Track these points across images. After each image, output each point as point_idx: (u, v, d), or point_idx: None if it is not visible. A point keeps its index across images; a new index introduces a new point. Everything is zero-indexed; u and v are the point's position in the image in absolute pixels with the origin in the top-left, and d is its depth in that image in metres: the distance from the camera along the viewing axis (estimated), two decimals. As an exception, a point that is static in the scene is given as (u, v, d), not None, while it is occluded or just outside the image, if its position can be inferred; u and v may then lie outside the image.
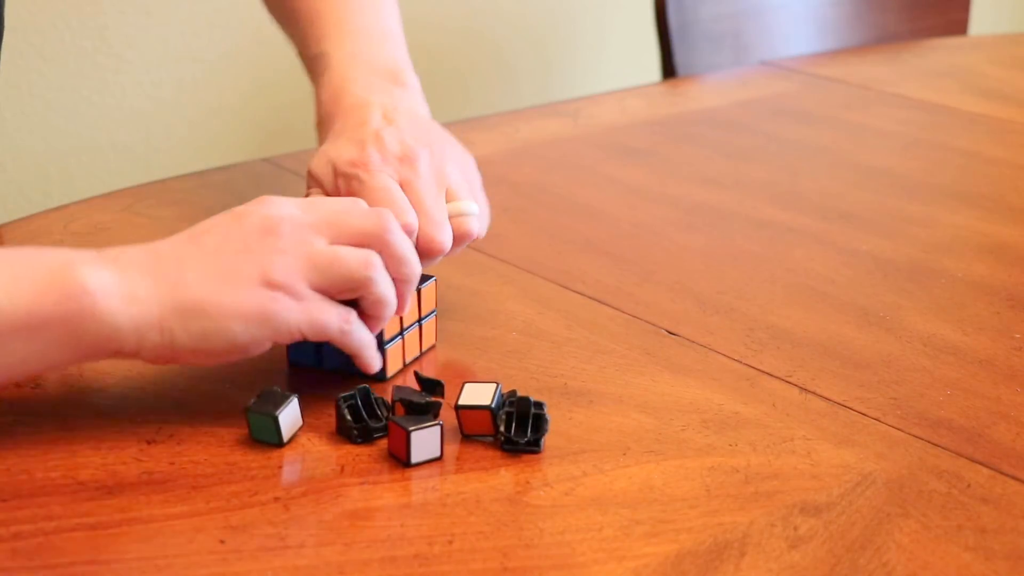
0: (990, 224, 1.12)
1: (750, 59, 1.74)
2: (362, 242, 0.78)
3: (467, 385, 0.77)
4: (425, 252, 0.85)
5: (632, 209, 1.15)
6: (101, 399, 0.80)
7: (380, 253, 0.78)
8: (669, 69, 1.69)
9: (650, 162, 1.26)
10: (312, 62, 1.01)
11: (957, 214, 1.15)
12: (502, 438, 0.76)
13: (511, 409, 0.76)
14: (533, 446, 0.76)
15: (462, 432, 0.77)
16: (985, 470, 0.76)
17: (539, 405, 0.76)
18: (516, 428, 0.76)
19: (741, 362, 0.87)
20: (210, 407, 0.79)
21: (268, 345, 0.76)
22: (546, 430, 0.76)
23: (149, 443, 0.75)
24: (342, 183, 0.88)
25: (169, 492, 0.71)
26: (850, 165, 1.28)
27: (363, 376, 0.81)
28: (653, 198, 1.17)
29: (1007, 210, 1.17)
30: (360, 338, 0.78)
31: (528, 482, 0.73)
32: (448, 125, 1.38)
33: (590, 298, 0.96)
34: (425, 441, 0.74)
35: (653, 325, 0.92)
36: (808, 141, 1.35)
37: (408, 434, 0.73)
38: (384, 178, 0.87)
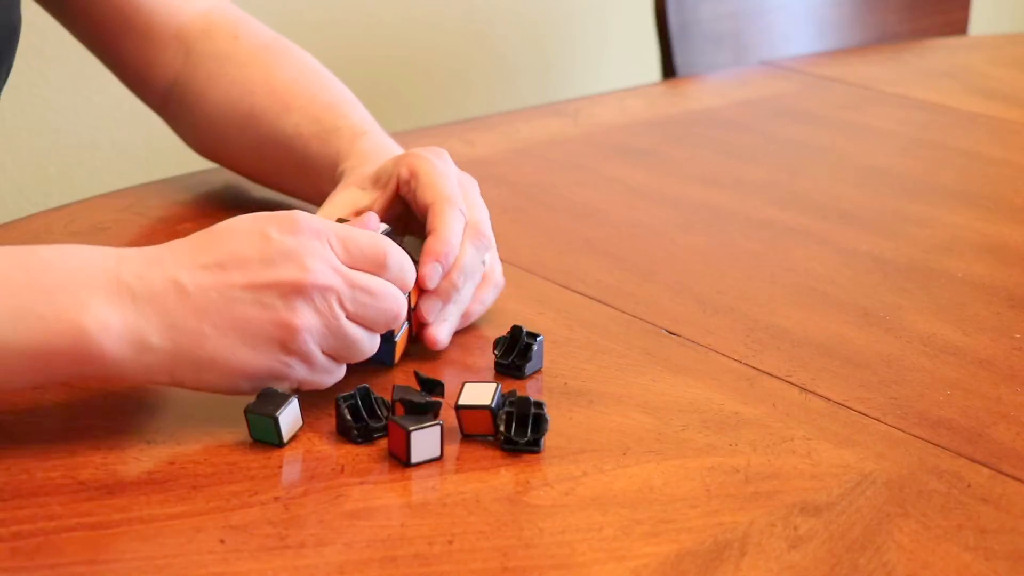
0: (990, 224, 1.12)
1: (750, 59, 1.74)
2: (378, 324, 0.78)
3: (467, 385, 0.77)
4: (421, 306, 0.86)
5: (632, 209, 1.15)
6: (101, 399, 0.79)
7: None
8: (669, 69, 1.69)
9: (650, 162, 1.26)
10: (331, 134, 1.00)
11: (957, 214, 1.15)
12: (502, 438, 0.76)
13: (511, 409, 0.76)
14: (533, 446, 0.76)
15: (462, 432, 0.77)
16: (985, 470, 0.76)
17: (539, 405, 0.76)
18: (516, 428, 0.76)
19: (741, 362, 0.87)
20: (210, 407, 0.78)
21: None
22: (546, 430, 0.76)
23: (149, 443, 0.75)
24: (419, 163, 0.88)
25: (169, 492, 0.71)
26: (850, 165, 1.28)
27: (368, 364, 0.81)
28: (653, 198, 1.17)
29: (1007, 210, 1.17)
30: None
31: (528, 482, 0.73)
32: (448, 125, 1.38)
33: (590, 298, 0.96)
34: (425, 441, 0.74)
35: (653, 325, 0.92)
36: (808, 141, 1.35)
37: (408, 434, 0.73)
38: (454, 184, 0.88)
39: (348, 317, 0.76)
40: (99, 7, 1.07)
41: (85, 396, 0.79)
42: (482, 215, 0.88)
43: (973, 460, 0.77)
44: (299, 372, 0.76)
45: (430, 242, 0.84)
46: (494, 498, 0.72)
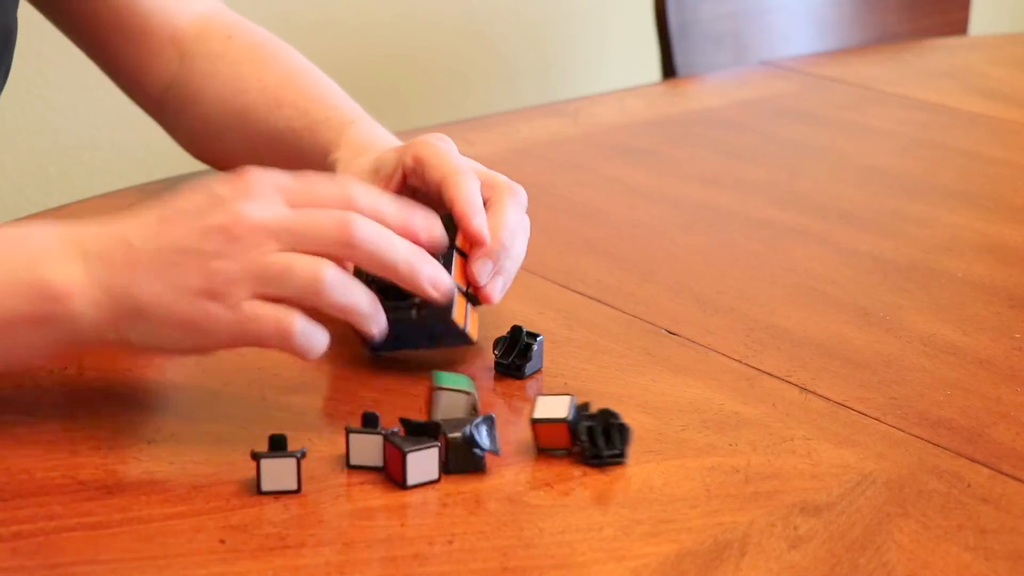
0: (990, 224, 1.12)
1: (750, 59, 1.74)
2: (325, 249, 0.75)
3: (540, 398, 0.76)
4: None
5: (632, 209, 1.15)
6: (101, 399, 0.80)
7: (349, 256, 0.75)
8: (669, 69, 1.69)
9: (650, 162, 1.26)
10: (320, 125, 0.99)
11: (957, 214, 1.15)
12: (588, 453, 0.74)
13: (591, 423, 0.75)
14: (620, 457, 0.75)
15: (537, 446, 0.75)
16: (985, 470, 0.76)
17: (616, 415, 0.75)
18: (595, 439, 0.74)
19: (741, 362, 0.87)
20: (210, 407, 0.78)
21: (222, 349, 0.76)
22: (630, 439, 0.75)
23: (149, 443, 0.75)
24: (422, 148, 0.87)
25: (169, 492, 0.71)
26: (850, 165, 1.28)
27: (450, 346, 0.82)
28: (653, 198, 1.17)
29: (1007, 210, 1.17)
30: (306, 343, 0.74)
31: (528, 482, 0.73)
32: (448, 125, 1.38)
33: (590, 298, 0.96)
34: (422, 463, 0.72)
35: (653, 325, 0.92)
36: (808, 141, 1.35)
37: (404, 455, 0.72)
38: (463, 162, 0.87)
39: (286, 248, 0.74)
40: (95, 11, 1.07)
41: (85, 396, 0.79)
42: (500, 176, 0.88)
43: (973, 460, 0.77)
44: (221, 321, 0.73)
45: (455, 211, 0.83)
46: (494, 498, 0.72)
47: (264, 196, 0.75)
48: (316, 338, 0.75)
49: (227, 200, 0.74)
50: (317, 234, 0.74)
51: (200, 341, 0.74)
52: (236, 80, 1.05)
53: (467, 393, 0.77)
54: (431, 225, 0.79)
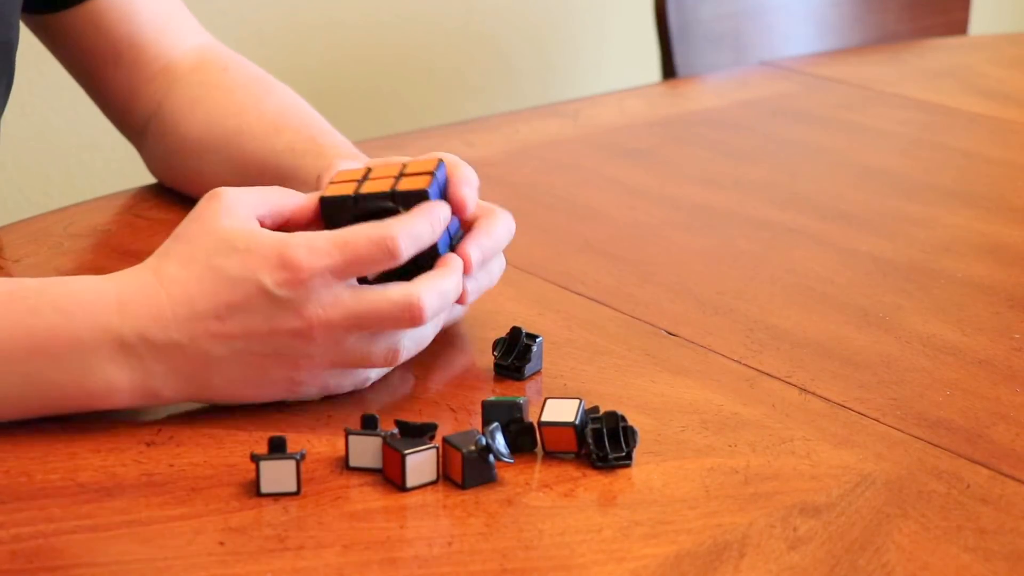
0: (990, 224, 1.12)
1: (750, 59, 1.74)
2: (395, 328, 0.78)
3: (549, 401, 0.76)
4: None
5: (632, 209, 1.15)
6: (101, 401, 0.79)
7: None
8: (669, 69, 1.69)
9: (650, 162, 1.26)
10: (327, 149, 0.99)
11: (957, 214, 1.15)
12: (594, 455, 0.75)
13: (597, 425, 0.75)
14: (626, 460, 0.75)
15: (544, 449, 0.76)
16: (985, 470, 0.76)
17: (624, 418, 0.75)
18: (602, 443, 0.74)
19: (741, 363, 0.87)
20: (209, 409, 0.79)
21: None
22: (636, 442, 0.75)
23: (148, 445, 0.75)
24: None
25: (169, 494, 0.71)
26: (850, 165, 1.28)
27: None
28: (653, 198, 1.17)
29: (1007, 210, 1.17)
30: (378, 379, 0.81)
31: (527, 483, 0.73)
32: (448, 126, 1.38)
33: (590, 299, 0.96)
34: (421, 465, 0.72)
35: (653, 326, 0.92)
36: (808, 141, 1.35)
37: (403, 457, 0.72)
38: None
39: (351, 340, 0.77)
40: (91, 37, 1.07)
41: (85, 398, 0.79)
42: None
43: (973, 460, 0.77)
44: (313, 392, 0.79)
45: (454, 178, 0.84)
46: (493, 500, 0.72)
47: (319, 286, 0.75)
48: (385, 371, 0.82)
49: (286, 301, 0.75)
50: (389, 322, 0.77)
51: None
52: (230, 105, 1.05)
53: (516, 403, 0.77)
54: (448, 217, 0.81)
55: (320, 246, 0.75)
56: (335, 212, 0.80)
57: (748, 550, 0.68)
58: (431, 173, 0.81)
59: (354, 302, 0.76)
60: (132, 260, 0.82)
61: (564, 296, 0.97)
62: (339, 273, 0.75)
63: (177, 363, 0.76)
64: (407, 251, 0.77)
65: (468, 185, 0.83)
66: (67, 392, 0.75)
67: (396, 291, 0.77)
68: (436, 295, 0.77)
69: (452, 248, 0.82)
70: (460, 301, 0.82)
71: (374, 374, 0.81)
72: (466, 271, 0.81)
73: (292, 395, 0.78)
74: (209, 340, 0.75)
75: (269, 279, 0.75)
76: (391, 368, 0.81)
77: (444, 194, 0.82)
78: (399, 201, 0.80)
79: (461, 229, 0.84)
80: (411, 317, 0.76)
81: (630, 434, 0.75)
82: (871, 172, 1.25)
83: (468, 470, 0.72)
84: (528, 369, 0.83)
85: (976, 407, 0.83)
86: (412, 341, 0.79)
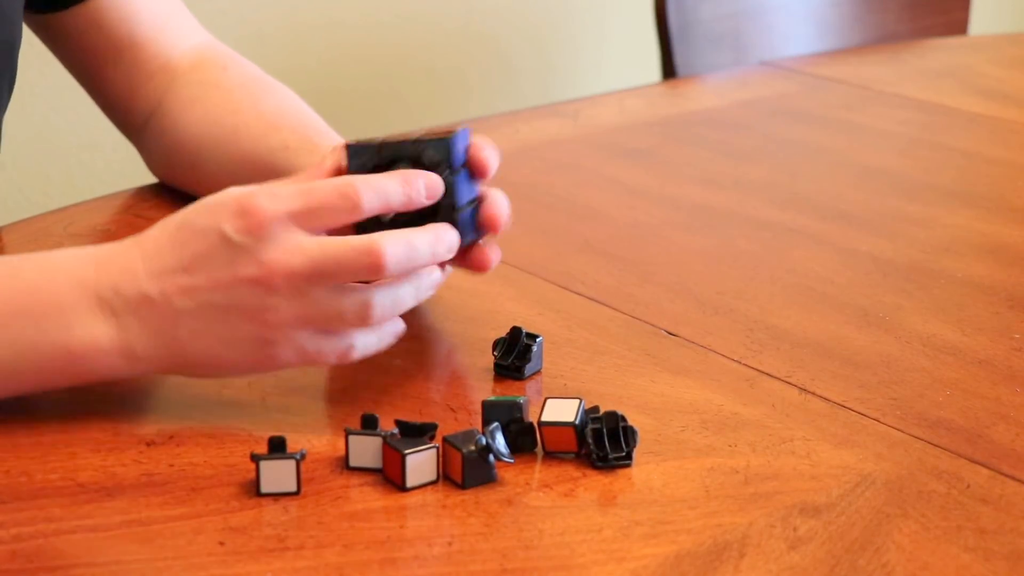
0: (990, 224, 1.12)
1: (750, 59, 1.74)
2: (359, 279, 0.76)
3: (549, 401, 0.76)
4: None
5: (632, 209, 1.15)
6: (101, 401, 0.80)
7: (381, 277, 0.77)
8: (669, 69, 1.69)
9: (650, 162, 1.26)
10: (319, 147, 0.99)
11: (957, 214, 1.15)
12: (595, 455, 0.74)
13: (597, 425, 0.75)
14: (626, 460, 0.75)
15: (544, 449, 0.76)
16: (985, 470, 0.76)
17: (623, 418, 0.75)
18: (601, 443, 0.74)
19: (741, 363, 0.87)
20: (209, 409, 0.79)
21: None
22: (636, 442, 0.75)
23: (149, 445, 0.75)
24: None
25: (169, 494, 0.71)
26: (850, 165, 1.28)
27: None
28: (653, 198, 1.17)
29: (1007, 210, 1.17)
30: (367, 354, 0.78)
31: (527, 483, 0.73)
32: (448, 126, 1.38)
33: (590, 299, 0.96)
34: (422, 465, 0.72)
35: (653, 326, 0.92)
36: (808, 141, 1.35)
37: (403, 457, 0.72)
38: None
39: (320, 290, 0.75)
40: (91, 37, 1.07)
41: (85, 398, 0.79)
42: None
43: (973, 460, 0.77)
44: (287, 353, 0.76)
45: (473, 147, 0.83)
46: (493, 500, 0.72)
47: (279, 231, 0.74)
48: (374, 348, 0.78)
49: (246, 247, 0.74)
50: (349, 270, 0.75)
51: (262, 372, 0.78)
52: (228, 103, 1.05)
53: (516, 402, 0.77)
54: (433, 186, 0.79)
55: (282, 193, 0.75)
56: (360, 159, 0.79)
57: (748, 550, 0.68)
58: (454, 132, 0.81)
59: (315, 249, 0.74)
60: (132, 260, 0.82)
61: (564, 296, 0.97)
62: (299, 219, 0.74)
63: (148, 318, 0.75)
64: (369, 203, 0.75)
65: (491, 148, 0.83)
66: (52, 355, 0.75)
67: (358, 239, 0.75)
68: (401, 245, 0.75)
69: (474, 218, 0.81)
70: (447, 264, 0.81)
71: (359, 344, 0.77)
72: (483, 175, 0.81)
73: (268, 360, 0.76)
74: (177, 293, 0.75)
75: (229, 226, 0.74)
76: (379, 343, 0.78)
77: (466, 156, 0.82)
78: (422, 147, 0.79)
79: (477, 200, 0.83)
80: (371, 263, 0.74)
81: (630, 434, 0.75)
82: (871, 172, 1.25)
83: (468, 470, 0.72)
84: (528, 369, 0.83)
85: (976, 407, 0.83)
86: (387, 298, 0.76)
